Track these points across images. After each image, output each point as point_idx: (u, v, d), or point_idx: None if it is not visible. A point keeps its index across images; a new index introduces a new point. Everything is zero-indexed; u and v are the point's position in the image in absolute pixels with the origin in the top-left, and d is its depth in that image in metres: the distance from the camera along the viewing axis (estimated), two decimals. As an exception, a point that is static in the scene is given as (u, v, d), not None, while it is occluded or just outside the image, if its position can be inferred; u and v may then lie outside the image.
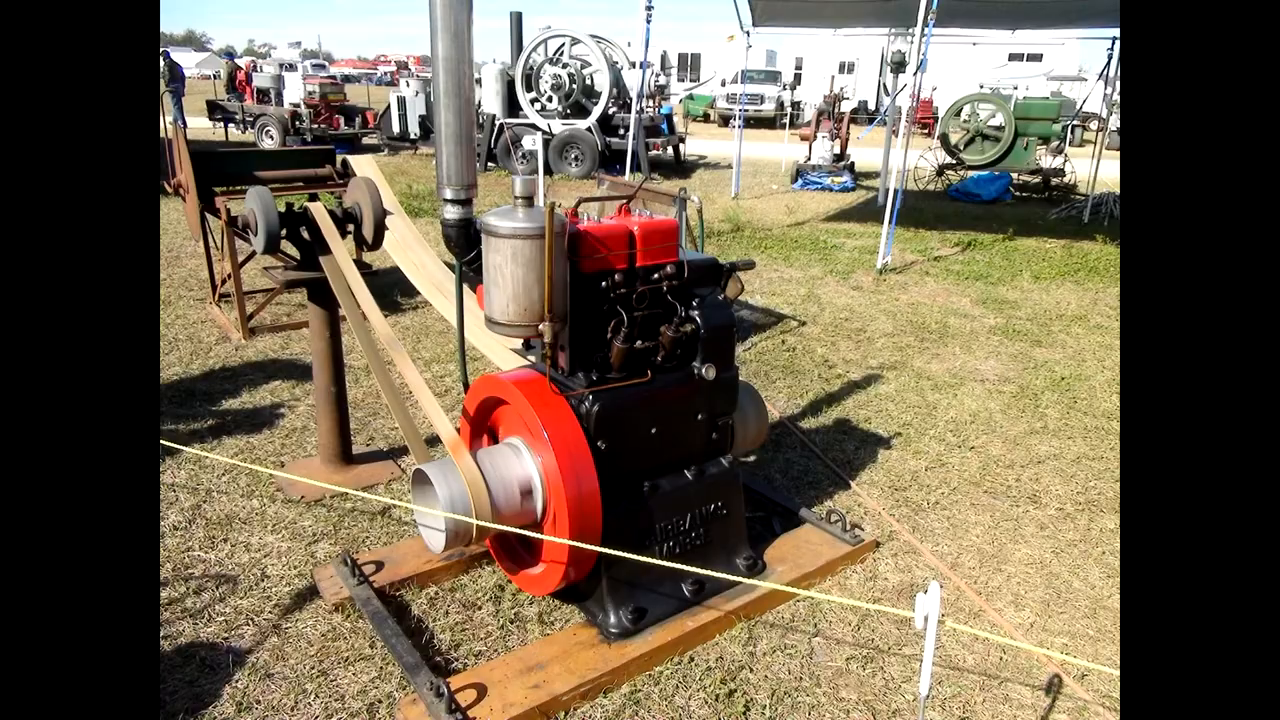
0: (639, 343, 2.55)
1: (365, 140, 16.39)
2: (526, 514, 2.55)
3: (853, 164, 13.86)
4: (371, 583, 2.81)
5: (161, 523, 3.23)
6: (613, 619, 2.59)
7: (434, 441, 3.86)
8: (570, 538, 2.43)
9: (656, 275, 2.57)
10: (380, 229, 3.30)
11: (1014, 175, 13.48)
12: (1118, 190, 12.58)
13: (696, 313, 2.66)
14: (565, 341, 2.52)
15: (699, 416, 2.74)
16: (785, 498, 3.46)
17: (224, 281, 5.73)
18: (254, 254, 5.75)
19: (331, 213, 3.29)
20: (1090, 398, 4.89)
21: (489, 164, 14.62)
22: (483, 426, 2.84)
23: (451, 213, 2.51)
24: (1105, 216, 11.27)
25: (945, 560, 3.21)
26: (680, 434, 2.72)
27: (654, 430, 2.63)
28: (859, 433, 4.31)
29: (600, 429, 2.49)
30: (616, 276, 2.49)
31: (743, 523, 2.93)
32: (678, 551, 2.74)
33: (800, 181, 13.44)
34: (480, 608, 2.79)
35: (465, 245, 2.54)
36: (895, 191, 7.66)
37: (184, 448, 3.65)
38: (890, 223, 7.73)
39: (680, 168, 15.85)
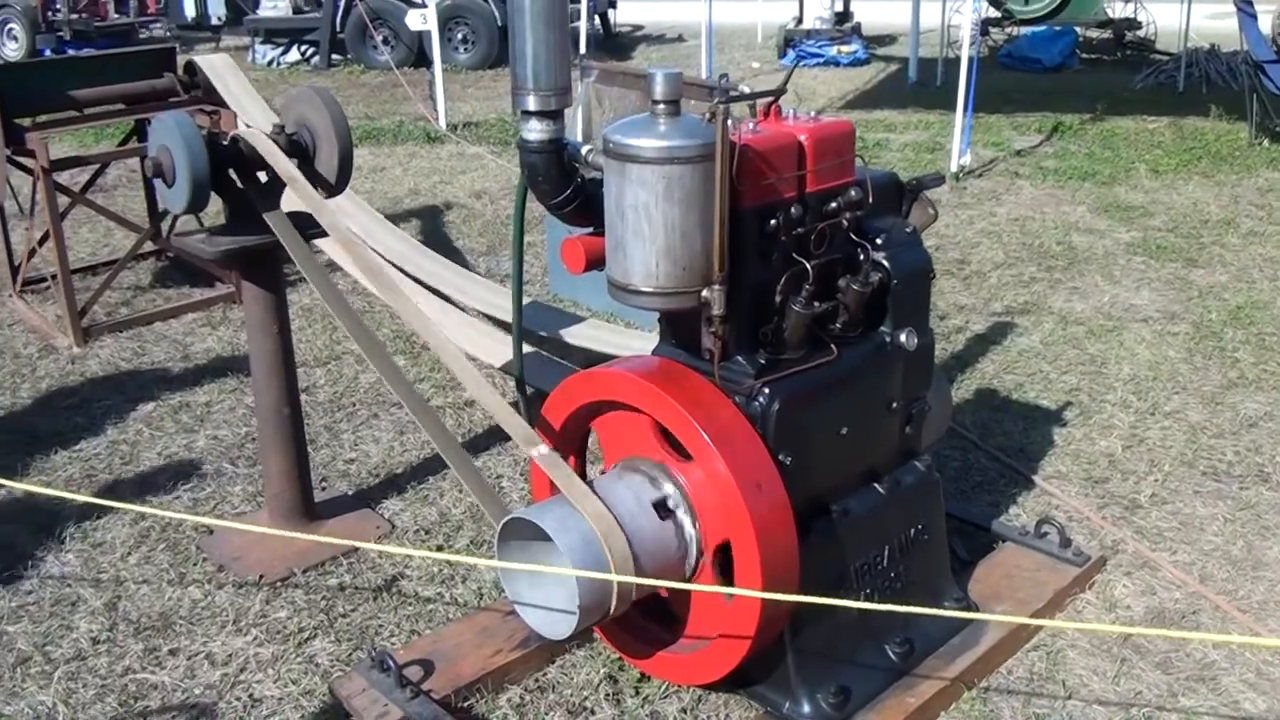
0: (817, 305, 2.53)
1: (148, 32, 15.74)
2: (675, 566, 2.53)
3: (859, 25, 14.03)
4: (428, 694, 2.73)
5: (73, 634, 3.13)
6: (807, 708, 2.57)
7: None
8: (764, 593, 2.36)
9: (835, 204, 2.55)
10: (347, 161, 3.31)
11: (1079, 31, 13.78)
12: (1210, 45, 12.82)
13: (883, 255, 2.65)
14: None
15: (893, 405, 2.76)
16: (965, 508, 3.52)
17: (29, 258, 5.50)
18: (72, 208, 5.50)
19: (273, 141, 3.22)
20: (1280, 329, 5.11)
21: (332, 58, 14.41)
22: (572, 449, 2.80)
23: (537, 131, 2.46)
24: (1203, 82, 11.63)
25: (1192, 572, 3.31)
26: (872, 431, 2.73)
27: (844, 430, 2.62)
28: (1017, 406, 4.40)
29: (783, 435, 2.47)
30: (792, 210, 2.46)
31: (946, 549, 2.98)
32: (876, 599, 2.75)
33: (793, 54, 13.53)
34: (594, 712, 2.77)
35: (559, 179, 2.50)
36: (971, 60, 7.73)
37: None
38: (968, 108, 7.86)
39: (611, 45, 15.73)
